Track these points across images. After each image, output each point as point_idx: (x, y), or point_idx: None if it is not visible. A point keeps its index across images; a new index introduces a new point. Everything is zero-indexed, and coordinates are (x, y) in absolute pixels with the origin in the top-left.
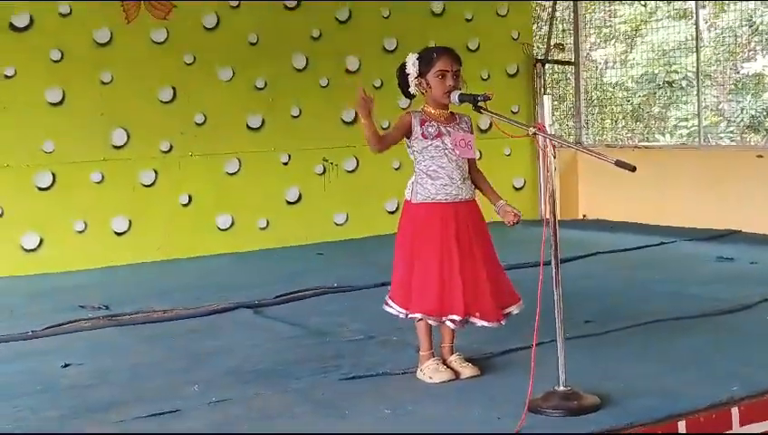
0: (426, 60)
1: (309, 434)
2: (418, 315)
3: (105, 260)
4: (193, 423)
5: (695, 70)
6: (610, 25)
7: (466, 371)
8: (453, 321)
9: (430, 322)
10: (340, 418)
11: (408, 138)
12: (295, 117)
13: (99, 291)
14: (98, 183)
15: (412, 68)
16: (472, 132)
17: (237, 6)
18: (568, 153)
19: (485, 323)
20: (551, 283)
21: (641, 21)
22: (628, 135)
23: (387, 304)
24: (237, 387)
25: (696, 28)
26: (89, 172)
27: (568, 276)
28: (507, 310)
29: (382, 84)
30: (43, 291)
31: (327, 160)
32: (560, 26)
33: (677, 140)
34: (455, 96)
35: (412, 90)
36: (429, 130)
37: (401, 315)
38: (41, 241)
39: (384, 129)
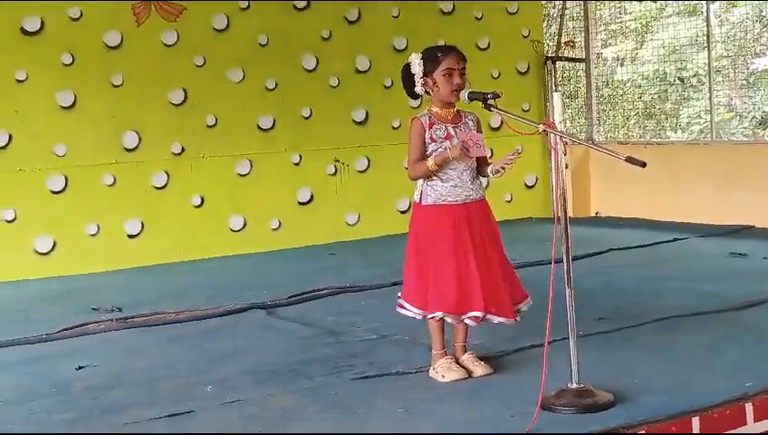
0: (431, 59)
1: (321, 434)
2: (439, 314)
3: (118, 262)
4: (207, 424)
5: (706, 66)
6: (621, 22)
7: (479, 369)
8: (473, 318)
9: (449, 320)
10: (354, 417)
11: None
12: (306, 117)
13: (112, 293)
14: (110, 186)
15: (418, 68)
16: (480, 130)
17: (247, 8)
18: (580, 150)
19: (503, 320)
20: (563, 280)
21: (651, 18)
22: (640, 132)
23: (401, 306)
24: (251, 387)
25: (708, 24)
26: (101, 175)
27: (580, 274)
28: (517, 307)
29: (393, 84)
30: (57, 294)
31: (338, 161)
32: (570, 24)
33: (689, 136)
34: (464, 94)
35: (418, 89)
36: (438, 133)
37: (419, 317)
38: (54, 244)
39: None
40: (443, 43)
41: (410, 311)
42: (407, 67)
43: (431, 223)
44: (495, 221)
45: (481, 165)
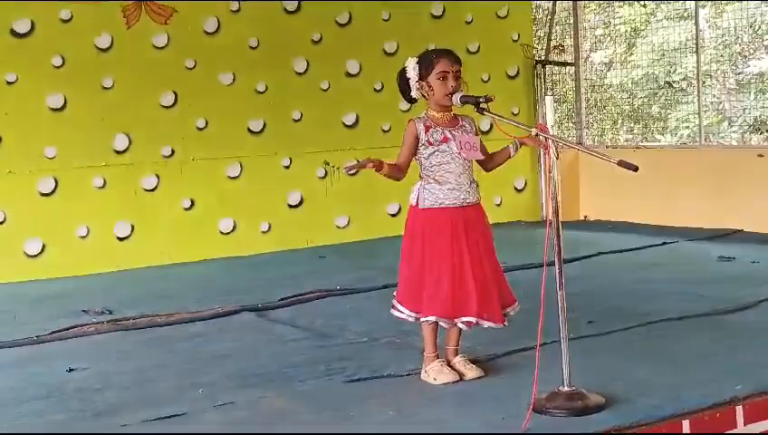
0: (426, 63)
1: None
2: (432, 318)
3: (108, 265)
4: (199, 427)
5: (695, 70)
6: (609, 25)
7: (470, 372)
8: (466, 323)
9: (442, 324)
10: (346, 420)
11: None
12: (296, 120)
13: (102, 296)
14: (100, 188)
15: (413, 72)
16: (477, 133)
17: (238, 11)
18: (569, 154)
19: (492, 325)
20: (553, 283)
21: (641, 22)
22: (629, 136)
23: (395, 307)
24: (242, 390)
25: (696, 28)
26: (91, 177)
27: (570, 277)
28: (505, 311)
29: (383, 87)
30: (47, 296)
31: (328, 164)
32: (558, 28)
33: (678, 140)
34: (456, 98)
35: (414, 94)
36: (435, 136)
37: (411, 319)
38: (44, 247)
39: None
40: (433, 47)
41: (403, 313)
42: (402, 72)
43: (428, 226)
44: (490, 226)
45: (485, 162)
